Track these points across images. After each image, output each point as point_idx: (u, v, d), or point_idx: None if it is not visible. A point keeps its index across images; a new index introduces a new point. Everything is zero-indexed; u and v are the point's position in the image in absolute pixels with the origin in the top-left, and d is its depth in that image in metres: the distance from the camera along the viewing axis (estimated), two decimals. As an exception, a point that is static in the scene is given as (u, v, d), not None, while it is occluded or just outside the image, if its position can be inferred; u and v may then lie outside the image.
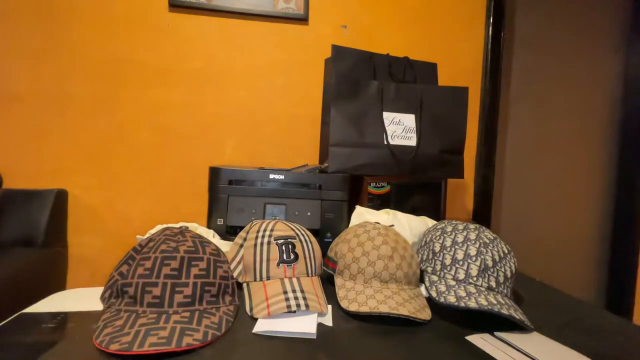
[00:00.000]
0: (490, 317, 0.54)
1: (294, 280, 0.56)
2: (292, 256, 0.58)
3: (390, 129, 0.90)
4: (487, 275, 0.56)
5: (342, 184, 0.83)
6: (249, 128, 1.17)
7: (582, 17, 1.49)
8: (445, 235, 0.62)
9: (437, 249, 0.61)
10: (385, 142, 0.89)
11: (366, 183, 0.87)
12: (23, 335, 0.45)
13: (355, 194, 0.90)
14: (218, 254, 0.55)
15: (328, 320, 0.51)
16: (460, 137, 0.98)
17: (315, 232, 0.80)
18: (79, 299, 0.56)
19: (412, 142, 0.92)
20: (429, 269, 0.60)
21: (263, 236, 0.59)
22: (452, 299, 0.52)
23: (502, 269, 0.56)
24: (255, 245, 0.59)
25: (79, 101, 1.07)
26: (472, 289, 0.54)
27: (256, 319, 0.50)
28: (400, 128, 0.91)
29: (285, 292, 0.53)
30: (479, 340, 0.47)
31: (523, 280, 0.75)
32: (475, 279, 0.55)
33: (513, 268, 0.58)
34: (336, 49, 0.90)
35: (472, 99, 1.29)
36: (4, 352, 0.41)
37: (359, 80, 0.89)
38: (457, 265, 0.57)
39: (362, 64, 0.93)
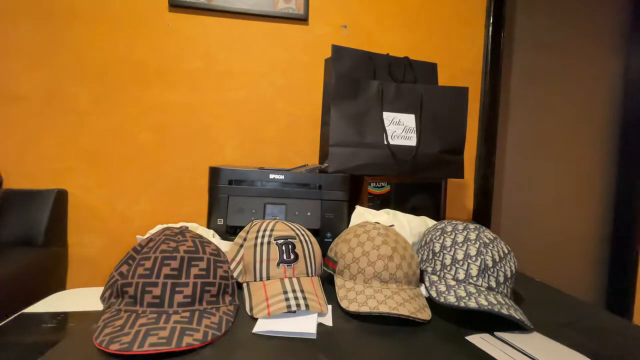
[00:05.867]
0: (490, 317, 0.54)
1: (294, 280, 0.56)
2: (292, 256, 0.58)
3: (390, 129, 0.90)
4: (487, 275, 0.56)
5: (342, 184, 0.83)
6: (249, 128, 1.17)
7: (582, 17, 1.49)
8: (445, 235, 0.62)
9: (437, 249, 0.61)
10: (385, 142, 0.89)
11: (366, 183, 0.87)
12: (23, 335, 0.45)
13: (355, 194, 0.90)
14: (218, 254, 0.55)
15: (328, 320, 0.51)
16: (460, 137, 0.98)
17: (315, 232, 0.80)
18: (79, 299, 0.56)
19: (412, 142, 0.92)
20: (429, 269, 0.60)
21: (263, 236, 0.59)
22: (452, 299, 0.52)
23: (502, 269, 0.56)
24: (255, 245, 0.59)
25: (79, 101, 1.07)
26: (472, 289, 0.54)
27: (256, 319, 0.50)
28: (400, 128, 0.91)
29: (285, 292, 0.53)
30: (479, 340, 0.47)
31: (523, 280, 0.75)
32: (475, 279, 0.55)
33: (513, 268, 0.58)
34: (336, 49, 0.90)
35: (472, 99, 1.29)
36: (4, 352, 0.41)
37: (359, 80, 0.89)
38: (457, 265, 0.57)
39: (362, 64, 0.93)
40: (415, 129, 0.92)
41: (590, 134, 1.54)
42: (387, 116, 0.90)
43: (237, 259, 0.60)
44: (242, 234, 0.63)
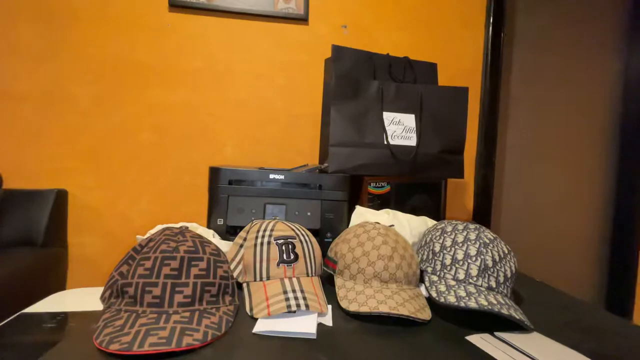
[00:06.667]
0: (490, 317, 0.54)
1: (294, 280, 0.56)
2: (292, 256, 0.58)
3: (390, 129, 0.90)
4: (487, 275, 0.56)
5: (342, 184, 0.83)
6: (249, 128, 1.17)
7: (582, 17, 1.49)
8: (445, 235, 0.62)
9: (437, 249, 0.61)
10: (385, 142, 0.89)
11: (366, 183, 0.87)
12: (23, 335, 0.45)
13: (355, 194, 0.90)
14: (218, 254, 0.55)
15: (328, 320, 0.51)
16: (460, 137, 0.98)
17: (315, 232, 0.80)
18: (79, 299, 0.56)
19: (412, 142, 0.92)
20: (429, 269, 0.60)
21: (263, 236, 0.59)
22: (452, 299, 0.52)
23: (502, 269, 0.56)
24: (255, 245, 0.59)
25: (79, 101, 1.07)
26: (472, 289, 0.54)
27: (256, 319, 0.50)
28: (400, 128, 0.91)
29: (285, 292, 0.53)
30: (479, 340, 0.47)
31: (523, 280, 0.75)
32: (475, 279, 0.55)
33: (513, 268, 0.58)
34: (336, 49, 0.90)
35: (472, 99, 1.29)
36: (4, 352, 0.41)
37: (359, 80, 0.89)
38: (457, 265, 0.57)
39: (362, 64, 0.93)
40: (415, 129, 0.92)
41: (590, 134, 1.54)
42: (387, 116, 0.90)
43: (237, 259, 0.60)
44: (242, 234, 0.63)
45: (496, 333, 0.49)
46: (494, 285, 0.55)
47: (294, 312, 0.51)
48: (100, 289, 0.54)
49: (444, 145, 0.95)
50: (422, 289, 0.61)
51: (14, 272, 0.85)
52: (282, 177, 0.81)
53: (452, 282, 0.56)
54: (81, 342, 0.43)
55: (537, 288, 0.71)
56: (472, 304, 0.50)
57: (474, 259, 0.57)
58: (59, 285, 1.04)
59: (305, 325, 0.48)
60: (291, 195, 0.81)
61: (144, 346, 0.39)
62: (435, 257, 0.60)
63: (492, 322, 0.53)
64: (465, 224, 0.62)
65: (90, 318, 0.48)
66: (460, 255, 0.58)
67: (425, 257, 0.63)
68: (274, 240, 0.59)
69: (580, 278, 1.58)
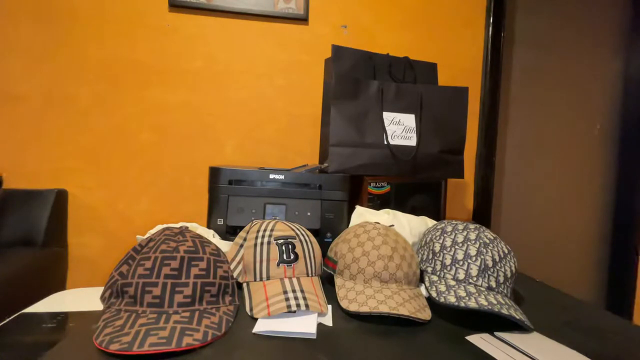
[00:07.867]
0: (490, 317, 0.54)
1: (294, 280, 0.56)
2: (292, 256, 0.58)
3: (390, 129, 0.90)
4: (487, 275, 0.56)
5: (342, 184, 0.83)
6: (249, 128, 1.17)
7: (582, 17, 1.49)
8: (445, 235, 0.62)
9: (437, 249, 0.61)
10: (385, 142, 0.89)
11: (366, 183, 0.87)
12: (23, 335, 0.45)
13: (355, 194, 0.90)
14: (218, 254, 0.55)
15: (328, 320, 0.51)
16: (460, 137, 0.98)
17: (315, 232, 0.80)
18: (79, 299, 0.56)
19: (412, 142, 0.92)
20: (429, 269, 0.60)
21: (263, 236, 0.60)
22: (452, 299, 0.52)
23: (502, 269, 0.56)
24: (255, 245, 0.59)
25: (79, 101, 1.07)
26: (472, 289, 0.54)
27: (256, 319, 0.50)
28: (400, 128, 0.91)
29: (285, 292, 0.53)
30: (479, 340, 0.47)
31: (523, 280, 0.75)
32: (475, 279, 0.55)
33: (513, 268, 0.58)
34: (336, 49, 0.90)
35: (472, 99, 1.29)
36: (4, 352, 0.41)
37: (359, 80, 0.89)
38: (457, 265, 0.57)
39: (362, 64, 0.93)
40: (415, 129, 0.92)
41: (590, 134, 1.54)
42: (387, 116, 0.90)
43: (237, 259, 0.60)
44: (242, 234, 0.63)
45: (496, 333, 0.49)
46: (494, 285, 0.55)
47: (294, 312, 0.51)
48: (100, 289, 0.54)
49: (444, 145, 0.95)
50: (422, 289, 0.61)
51: (14, 272, 0.85)
52: (282, 177, 0.81)
53: (452, 282, 0.56)
54: (81, 342, 0.43)
55: (537, 288, 0.71)
56: (472, 304, 0.50)
57: (474, 259, 0.57)
58: (59, 285, 1.04)
59: (305, 325, 0.48)
60: (291, 195, 0.81)
61: (144, 346, 0.39)
62: (435, 257, 0.60)
63: (492, 322, 0.53)
64: (465, 224, 0.62)
65: (90, 318, 0.48)
66: (460, 255, 0.58)
67: (425, 257, 0.63)
68: (274, 240, 0.59)
69: (580, 278, 1.58)
